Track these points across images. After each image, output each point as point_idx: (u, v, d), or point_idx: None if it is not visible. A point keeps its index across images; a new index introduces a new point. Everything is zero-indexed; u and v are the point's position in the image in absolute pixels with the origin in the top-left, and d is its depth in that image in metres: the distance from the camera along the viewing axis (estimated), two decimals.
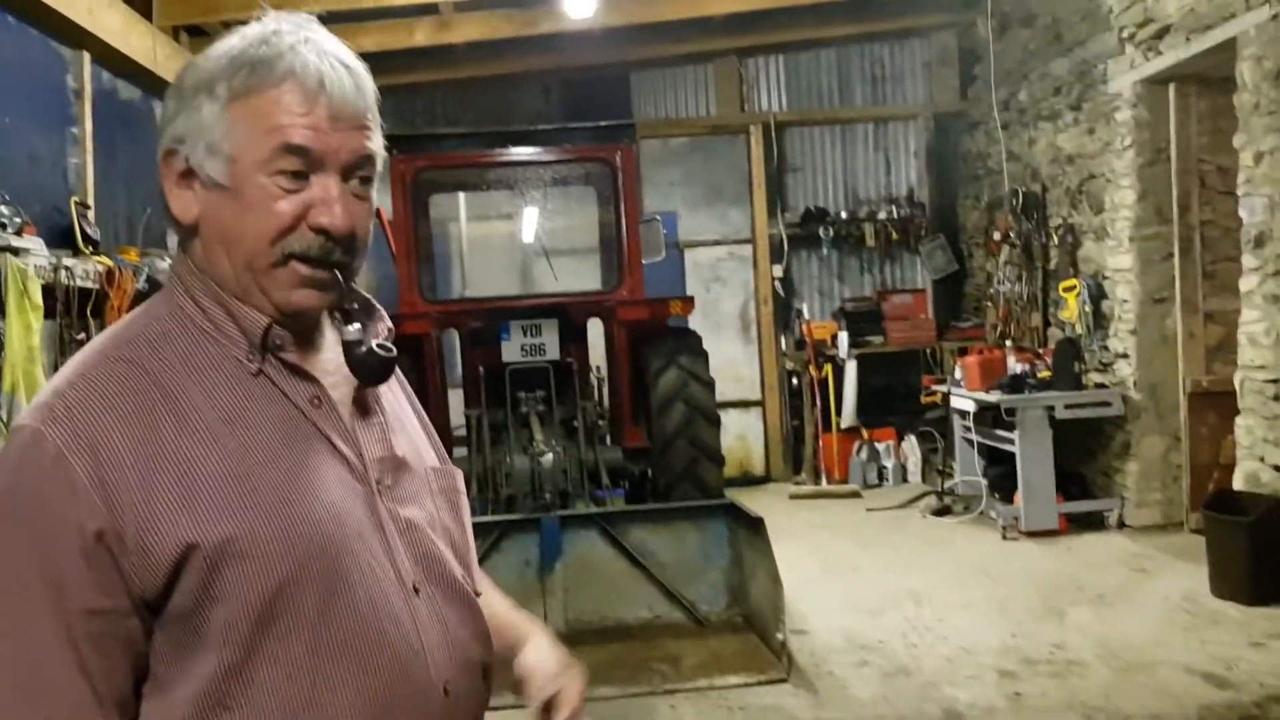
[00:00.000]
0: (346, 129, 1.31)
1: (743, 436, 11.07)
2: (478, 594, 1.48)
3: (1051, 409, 7.83)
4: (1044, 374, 8.14)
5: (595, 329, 7.70)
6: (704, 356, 6.93)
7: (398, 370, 1.51)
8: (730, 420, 10.02)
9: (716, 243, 11.24)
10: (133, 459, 1.22)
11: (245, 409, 1.29)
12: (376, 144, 1.35)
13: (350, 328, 1.40)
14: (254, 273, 1.30)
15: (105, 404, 1.24)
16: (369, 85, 1.35)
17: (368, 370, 1.40)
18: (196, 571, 1.21)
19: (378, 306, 1.46)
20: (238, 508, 1.24)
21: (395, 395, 1.52)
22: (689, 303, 7.16)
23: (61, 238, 5.71)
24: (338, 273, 1.33)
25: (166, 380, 1.28)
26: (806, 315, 10.79)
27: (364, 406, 1.42)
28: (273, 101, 1.28)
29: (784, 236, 11.07)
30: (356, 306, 1.42)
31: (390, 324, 1.46)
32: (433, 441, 1.57)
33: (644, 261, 7.44)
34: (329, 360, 1.41)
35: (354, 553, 1.29)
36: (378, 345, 1.40)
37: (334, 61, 1.31)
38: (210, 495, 1.23)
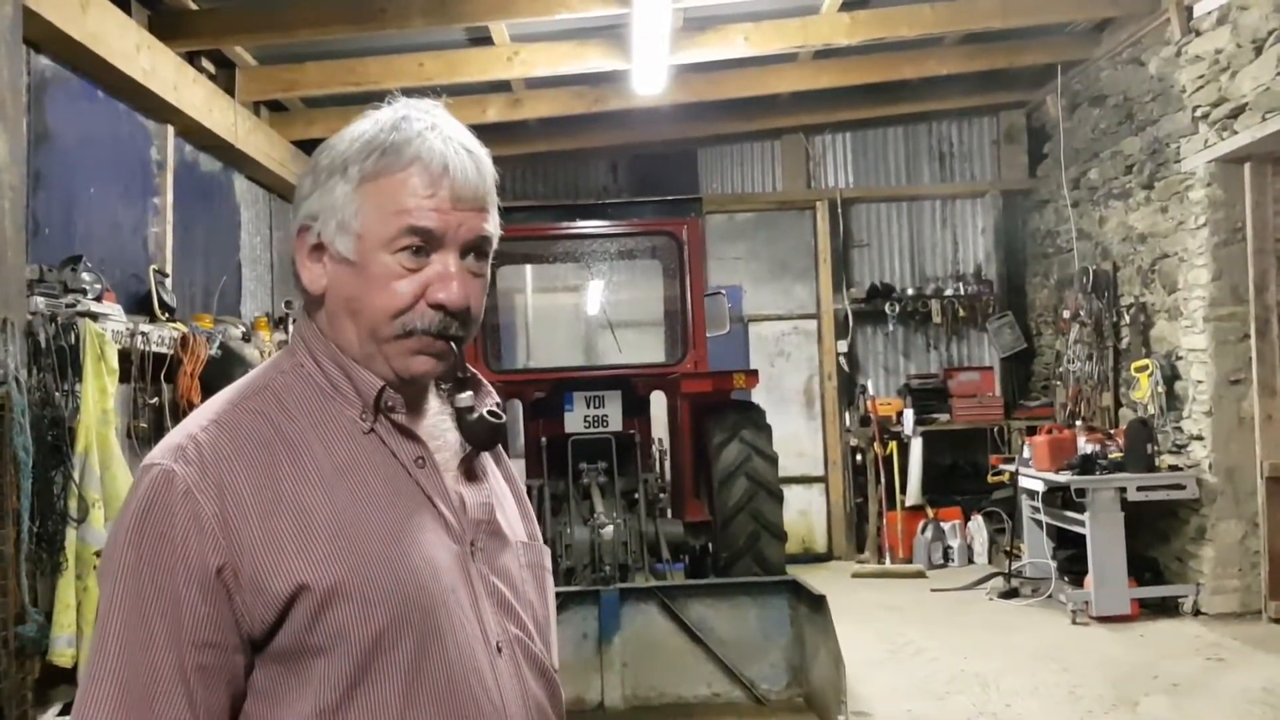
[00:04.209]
0: (466, 210, 1.39)
1: (805, 512, 10.94)
2: (555, 669, 1.53)
3: (1123, 491, 7.66)
4: (1115, 455, 7.97)
5: (658, 401, 7.69)
6: (767, 431, 6.89)
7: (500, 448, 1.60)
8: (793, 496, 9.91)
9: (781, 317, 11.22)
10: (254, 501, 1.30)
11: (357, 463, 1.37)
12: (493, 224, 1.44)
13: (462, 395, 1.48)
14: (376, 342, 1.39)
15: (233, 449, 1.33)
16: (489, 168, 1.43)
17: (477, 436, 1.48)
18: (304, 612, 1.28)
19: (484, 382, 1.54)
20: (346, 554, 1.30)
21: (495, 469, 1.59)
22: (753, 376, 7.14)
23: (140, 304, 5.86)
24: (452, 344, 1.41)
25: (288, 431, 1.37)
26: (871, 391, 10.70)
27: (469, 473, 1.49)
28: (400, 184, 1.37)
29: (849, 312, 11.03)
30: (469, 375, 1.49)
31: (497, 397, 1.54)
32: (526, 518, 1.63)
33: (708, 335, 7.45)
34: (434, 426, 1.48)
35: (447, 607, 1.35)
36: (488, 412, 1.47)
37: (458, 147, 1.39)
38: (322, 540, 1.30)
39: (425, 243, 1.37)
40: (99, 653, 1.26)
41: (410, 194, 1.36)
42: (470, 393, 1.48)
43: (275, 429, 1.36)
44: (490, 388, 1.54)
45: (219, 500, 1.28)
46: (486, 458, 1.55)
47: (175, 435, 1.36)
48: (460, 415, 1.47)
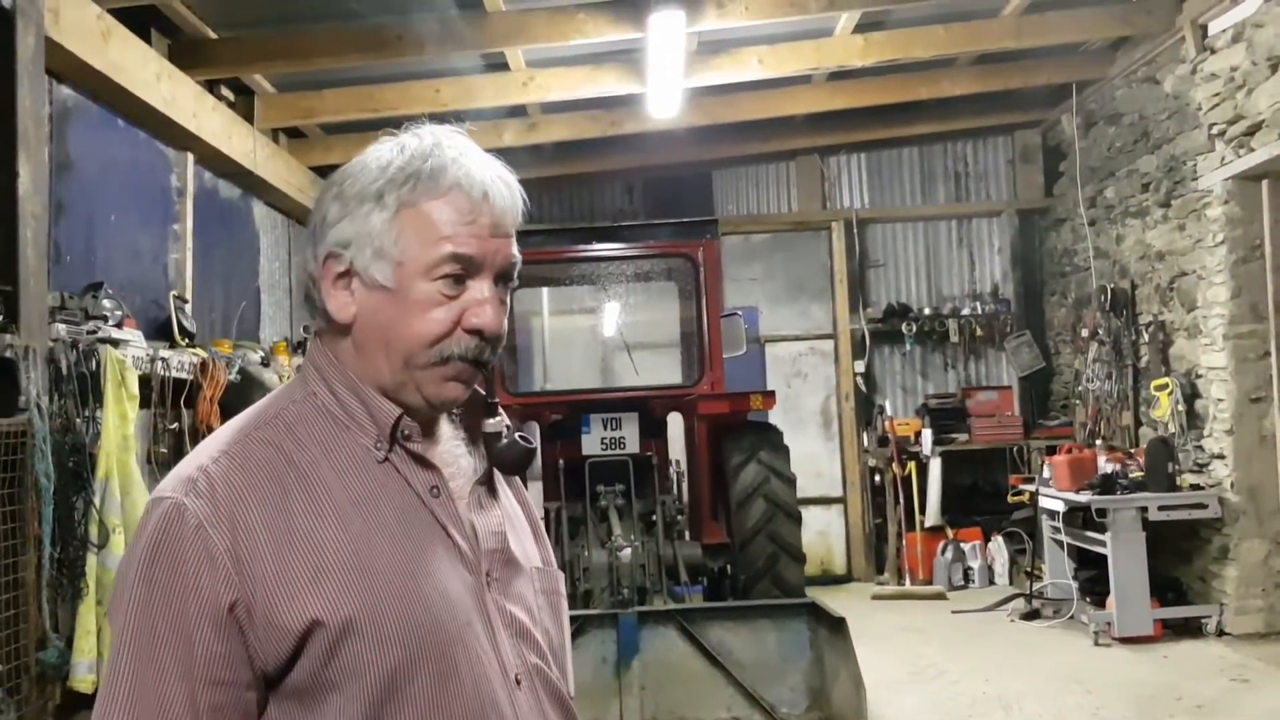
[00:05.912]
0: (501, 237, 1.39)
1: (823, 534, 10.90)
2: (572, 696, 1.51)
3: (1144, 510, 7.61)
4: (1136, 474, 7.92)
5: (675, 423, 7.69)
6: (785, 451, 6.88)
7: None
8: (811, 517, 9.88)
9: (798, 338, 11.22)
10: (267, 535, 1.28)
11: (371, 494, 1.35)
12: (516, 249, 1.44)
13: (491, 421, 1.47)
14: (409, 369, 1.37)
15: (245, 481, 1.31)
16: (520, 194, 1.43)
17: (508, 461, 1.47)
18: (318, 648, 1.26)
19: (496, 403, 1.53)
20: (360, 589, 1.28)
21: (508, 495, 1.57)
22: (770, 397, 7.13)
23: (160, 330, 5.89)
24: (480, 370, 1.41)
25: (301, 461, 1.34)
26: (889, 412, 10.67)
27: (482, 501, 1.47)
28: (439, 210, 1.36)
29: (866, 332, 11.02)
30: (497, 400, 1.48)
31: (508, 420, 1.52)
32: (541, 544, 1.61)
33: (725, 356, 7.44)
34: (447, 452, 1.46)
35: (464, 641, 1.33)
36: (520, 437, 1.46)
37: (494, 175, 1.39)
38: (335, 575, 1.28)
39: (465, 270, 1.36)
40: (110, 690, 1.24)
41: (449, 220, 1.35)
42: (501, 418, 1.48)
43: (287, 460, 1.34)
44: (502, 412, 1.54)
45: (231, 535, 1.26)
46: (498, 481, 1.53)
47: (185, 467, 1.33)
48: (489, 441, 1.46)
